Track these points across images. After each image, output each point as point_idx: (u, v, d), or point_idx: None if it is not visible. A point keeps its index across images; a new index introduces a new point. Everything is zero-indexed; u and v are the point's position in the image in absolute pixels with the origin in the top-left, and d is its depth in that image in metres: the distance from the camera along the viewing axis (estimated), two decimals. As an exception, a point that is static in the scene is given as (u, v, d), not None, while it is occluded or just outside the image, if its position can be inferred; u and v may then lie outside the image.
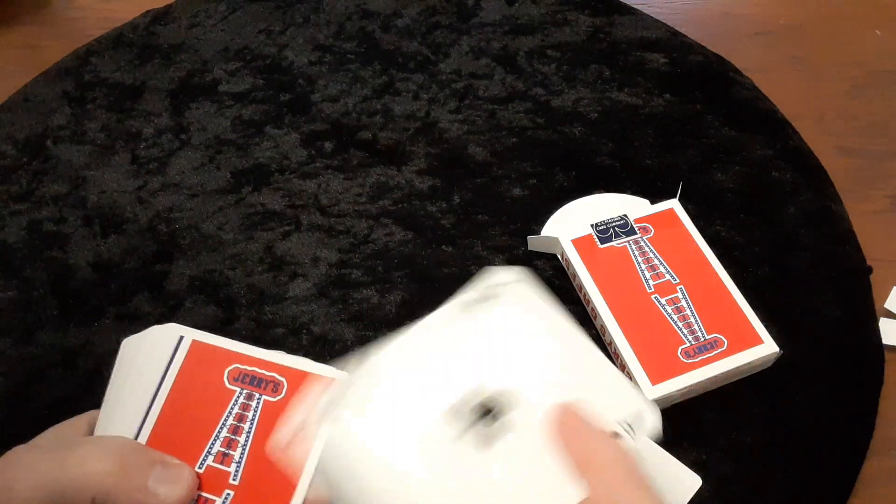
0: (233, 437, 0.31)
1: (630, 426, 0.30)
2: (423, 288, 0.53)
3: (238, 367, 0.32)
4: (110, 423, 0.31)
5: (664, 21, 0.70)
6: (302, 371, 0.32)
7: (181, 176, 0.60)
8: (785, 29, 0.71)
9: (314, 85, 0.66)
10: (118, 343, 0.50)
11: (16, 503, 0.27)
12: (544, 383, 0.29)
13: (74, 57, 0.69)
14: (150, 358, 0.32)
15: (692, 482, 0.43)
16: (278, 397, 0.31)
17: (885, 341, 0.50)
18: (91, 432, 0.31)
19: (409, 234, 0.56)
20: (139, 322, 0.52)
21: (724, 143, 0.61)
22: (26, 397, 0.49)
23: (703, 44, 0.68)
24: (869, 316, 0.51)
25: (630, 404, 0.30)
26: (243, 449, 0.30)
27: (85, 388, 0.49)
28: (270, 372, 0.32)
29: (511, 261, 0.54)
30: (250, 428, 0.31)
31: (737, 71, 0.66)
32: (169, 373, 0.32)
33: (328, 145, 0.62)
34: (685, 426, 0.46)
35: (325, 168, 0.60)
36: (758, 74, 0.66)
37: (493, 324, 0.31)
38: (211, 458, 0.30)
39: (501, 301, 0.31)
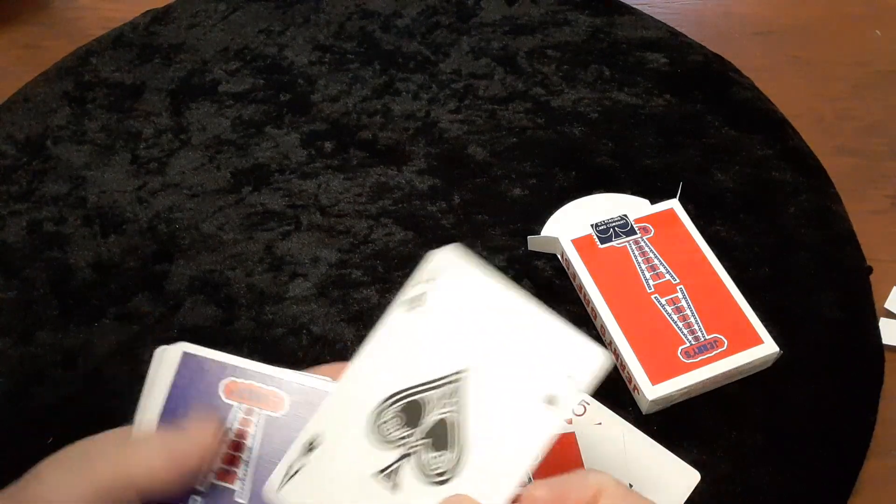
0: (234, 453, 0.29)
1: (575, 377, 0.28)
2: (423, 288, 0.53)
3: (234, 381, 0.31)
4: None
5: (664, 21, 0.70)
6: (302, 386, 0.30)
7: (181, 176, 0.60)
8: (785, 29, 0.71)
9: (314, 85, 0.66)
10: (118, 343, 0.50)
11: None
12: (489, 361, 0.29)
13: (74, 57, 0.69)
14: (161, 376, 0.31)
15: (691, 478, 0.43)
16: (281, 413, 0.30)
17: (885, 341, 0.50)
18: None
19: (409, 234, 0.56)
20: (139, 322, 0.52)
21: (724, 143, 0.61)
22: (26, 397, 0.49)
23: (703, 44, 0.68)
24: (869, 316, 0.51)
25: (574, 351, 0.29)
26: (246, 466, 0.29)
27: (85, 388, 0.49)
28: (269, 387, 0.30)
29: (511, 261, 0.54)
30: (253, 444, 0.29)
31: (737, 71, 0.66)
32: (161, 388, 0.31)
33: (328, 145, 0.62)
34: (685, 426, 0.46)
35: (325, 168, 0.60)
36: (758, 74, 0.66)
37: (434, 316, 0.31)
38: (212, 475, 0.29)
39: (438, 288, 0.31)
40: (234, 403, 0.30)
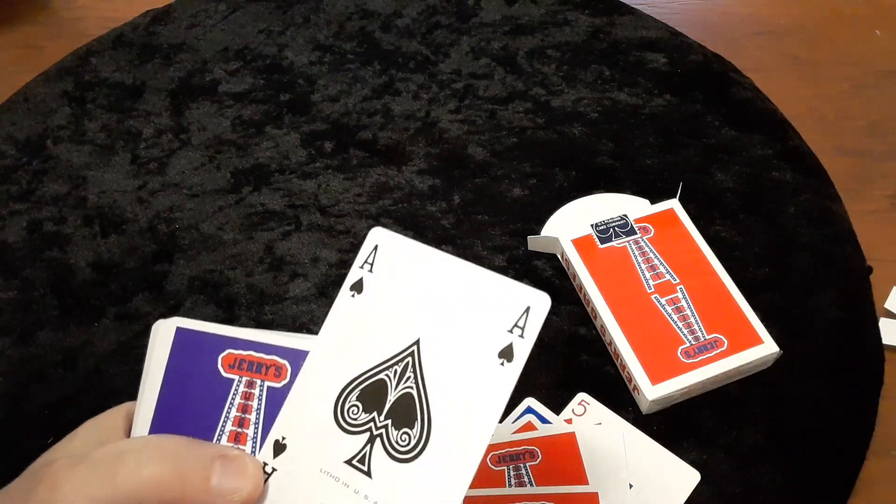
0: (238, 429, 0.29)
1: (520, 327, 0.29)
2: (423, 288, 0.53)
3: (232, 353, 0.30)
4: (141, 416, 0.30)
5: (664, 21, 0.70)
6: (302, 350, 0.29)
7: (181, 176, 0.60)
8: (785, 29, 0.71)
9: (314, 85, 0.66)
10: (118, 343, 0.50)
11: None
12: (437, 329, 0.29)
13: (74, 57, 0.69)
14: (154, 357, 0.31)
15: (691, 478, 0.43)
16: (283, 382, 0.29)
17: (885, 341, 0.50)
18: (130, 426, 0.29)
19: (409, 235, 0.56)
20: (139, 322, 0.52)
21: (724, 143, 0.61)
22: (26, 397, 0.49)
23: (703, 44, 0.68)
24: (869, 316, 0.51)
25: (518, 303, 0.29)
26: (254, 442, 0.28)
27: (85, 388, 0.49)
28: (270, 355, 0.29)
29: (511, 261, 0.54)
30: (257, 418, 0.28)
31: (737, 71, 0.66)
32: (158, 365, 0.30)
33: (328, 145, 0.62)
34: (685, 426, 0.46)
35: (325, 168, 0.60)
36: (758, 74, 0.66)
37: (376, 297, 0.30)
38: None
39: (374, 270, 0.31)
40: (235, 377, 0.29)
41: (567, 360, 0.49)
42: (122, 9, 0.73)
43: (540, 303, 0.28)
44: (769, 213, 0.56)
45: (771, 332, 0.47)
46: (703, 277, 0.50)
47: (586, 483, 0.42)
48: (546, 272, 0.53)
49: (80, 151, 0.62)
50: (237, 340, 0.30)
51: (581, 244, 0.51)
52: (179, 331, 0.30)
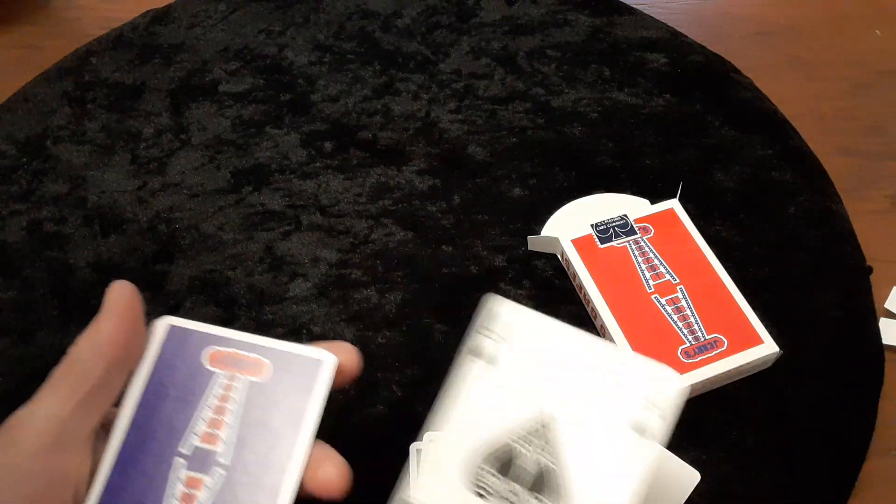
0: (217, 417, 0.30)
1: (655, 403, 0.30)
2: (423, 288, 0.53)
3: (218, 350, 0.31)
4: (127, 402, 0.31)
5: (664, 21, 0.70)
6: (285, 351, 0.31)
7: (181, 176, 0.60)
8: (785, 29, 0.71)
9: (314, 85, 0.66)
10: (118, 343, 0.50)
11: (33, 428, 0.27)
12: (572, 403, 0.30)
13: (74, 57, 0.69)
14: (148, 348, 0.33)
15: (691, 478, 0.43)
16: (264, 378, 0.31)
17: (885, 341, 0.50)
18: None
19: (409, 234, 0.56)
20: (139, 322, 0.52)
21: (724, 143, 0.61)
22: (26, 397, 0.49)
23: (703, 44, 0.68)
24: (869, 316, 0.51)
25: (650, 379, 0.31)
26: (231, 429, 0.30)
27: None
28: (253, 353, 0.31)
29: (511, 261, 0.54)
30: (236, 408, 0.30)
31: (737, 71, 0.66)
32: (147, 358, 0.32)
33: (328, 145, 0.62)
34: (685, 426, 0.46)
35: (325, 168, 0.60)
36: (758, 74, 0.66)
37: (510, 369, 0.32)
38: (197, 438, 0.30)
39: (511, 346, 0.32)
40: (218, 370, 0.31)
41: (567, 360, 0.49)
42: (122, 9, 0.73)
43: (674, 380, 0.31)
44: (769, 213, 0.56)
45: (771, 332, 0.47)
46: (703, 277, 0.50)
47: None
48: (546, 272, 0.53)
49: (80, 151, 0.62)
50: (223, 339, 0.31)
51: (581, 244, 0.51)
52: (172, 328, 0.32)
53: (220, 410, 0.30)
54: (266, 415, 0.30)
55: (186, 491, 0.29)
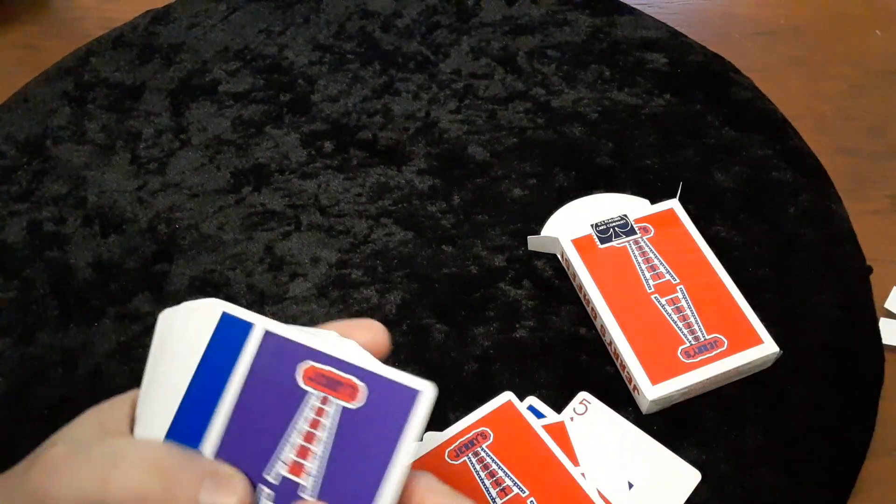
0: (306, 444, 0.27)
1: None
2: (423, 288, 0.53)
3: (314, 366, 0.28)
4: (150, 409, 0.29)
5: (664, 21, 0.70)
6: (386, 378, 0.28)
7: (181, 176, 0.60)
8: (785, 29, 0.71)
9: (314, 85, 0.66)
10: (118, 343, 0.50)
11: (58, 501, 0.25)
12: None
13: (74, 57, 0.69)
14: (190, 336, 0.29)
15: (691, 478, 0.43)
16: (358, 405, 0.27)
17: (885, 341, 0.50)
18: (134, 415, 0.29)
19: (409, 234, 0.56)
20: (139, 322, 0.52)
21: (724, 143, 0.61)
22: (26, 397, 0.49)
23: (703, 44, 0.68)
24: (869, 316, 0.51)
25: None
26: (319, 461, 0.27)
27: (85, 388, 0.49)
28: (347, 374, 0.28)
29: (511, 261, 0.54)
30: (328, 437, 0.27)
31: (737, 71, 0.66)
32: (237, 366, 0.29)
33: (328, 145, 0.62)
34: (685, 426, 0.46)
35: (325, 168, 0.60)
36: (758, 74, 0.66)
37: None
38: (283, 466, 0.27)
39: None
40: (310, 390, 0.28)
41: (567, 360, 0.49)
42: (122, 9, 0.73)
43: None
44: (769, 213, 0.56)
45: (771, 332, 0.47)
46: (703, 277, 0.50)
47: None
48: (546, 272, 0.53)
49: (80, 151, 0.62)
50: (320, 354, 0.28)
51: (581, 244, 0.51)
52: (267, 335, 0.29)
53: (309, 437, 0.28)
54: (356, 448, 0.27)
55: None
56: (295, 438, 0.27)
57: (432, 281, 0.53)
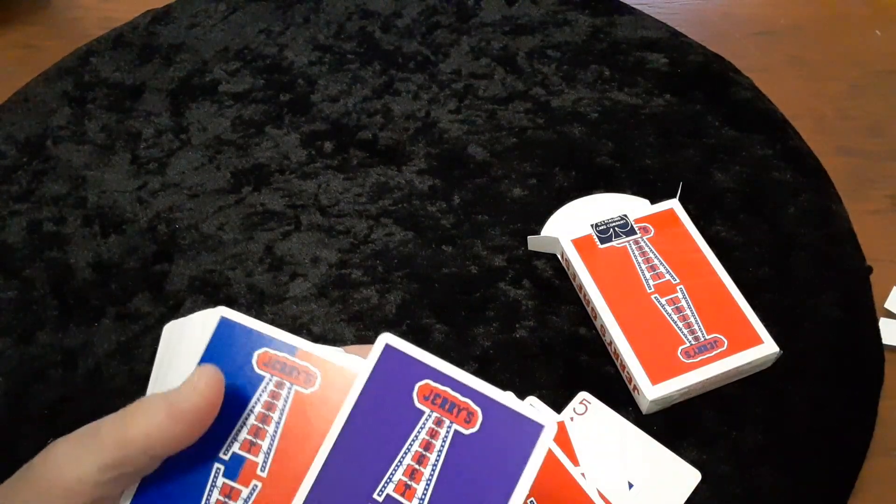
0: (260, 425, 0.28)
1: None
2: (423, 288, 0.53)
3: (429, 385, 0.28)
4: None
5: (664, 21, 0.70)
6: (336, 364, 0.29)
7: (181, 176, 0.60)
8: (785, 29, 0.71)
9: (314, 85, 0.66)
10: (118, 343, 0.50)
11: (66, 481, 0.25)
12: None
13: (74, 57, 0.69)
14: (193, 344, 0.30)
15: (691, 478, 0.43)
16: (311, 389, 0.29)
17: (885, 341, 0.50)
18: None
19: (409, 234, 0.56)
20: (139, 322, 0.52)
21: (724, 143, 0.61)
22: (26, 397, 0.49)
23: (703, 44, 0.68)
24: (869, 316, 0.51)
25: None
26: (272, 440, 0.28)
27: (85, 388, 0.49)
28: (303, 361, 0.29)
29: (511, 261, 0.54)
30: (280, 418, 0.28)
31: (737, 71, 0.66)
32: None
33: (328, 145, 0.62)
34: (685, 426, 0.46)
35: (325, 168, 0.60)
36: (758, 74, 0.66)
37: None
38: (237, 444, 0.28)
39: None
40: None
41: (567, 360, 0.49)
42: (122, 9, 0.73)
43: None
44: (769, 213, 0.56)
45: (771, 332, 0.47)
46: (703, 277, 0.50)
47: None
48: (546, 272, 0.53)
49: (80, 151, 0.62)
50: (438, 373, 0.28)
51: (581, 244, 0.51)
52: (387, 349, 0.29)
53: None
54: (468, 475, 0.26)
55: (222, 499, 0.27)
56: (407, 459, 0.27)
57: (432, 281, 0.53)
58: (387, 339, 0.29)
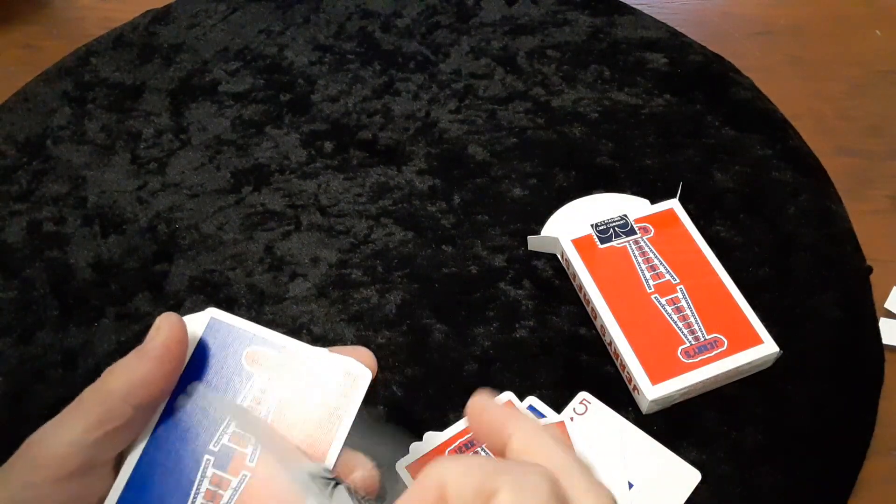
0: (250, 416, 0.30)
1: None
2: (423, 288, 0.53)
3: (255, 350, 0.31)
4: None
5: (664, 21, 0.70)
6: (319, 362, 0.31)
7: (181, 176, 0.60)
8: (785, 29, 0.71)
9: (314, 85, 0.66)
10: (118, 343, 0.50)
11: (56, 449, 0.27)
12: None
13: (74, 57, 0.69)
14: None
15: (691, 478, 0.43)
16: (294, 387, 0.31)
17: (885, 341, 0.50)
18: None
19: (409, 234, 0.56)
20: (139, 322, 0.52)
21: (724, 143, 0.61)
22: (26, 397, 0.49)
23: (703, 44, 0.68)
24: (869, 316, 0.51)
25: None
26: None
27: (85, 388, 0.49)
28: (291, 360, 0.31)
29: (511, 261, 0.54)
30: (267, 413, 0.30)
31: (737, 71, 0.66)
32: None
33: (328, 145, 0.62)
34: (685, 426, 0.46)
35: (325, 168, 0.60)
36: (758, 74, 0.66)
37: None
38: (227, 437, 0.30)
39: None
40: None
41: (567, 360, 0.49)
42: (122, 9, 0.73)
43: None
44: (769, 213, 0.56)
45: (771, 332, 0.47)
46: (703, 277, 0.50)
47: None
48: (546, 272, 0.53)
49: (80, 151, 0.62)
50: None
51: (581, 244, 0.51)
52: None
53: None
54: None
55: (212, 489, 0.29)
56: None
57: (432, 281, 0.53)
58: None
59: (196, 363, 0.31)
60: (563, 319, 0.51)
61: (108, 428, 0.27)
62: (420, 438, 0.44)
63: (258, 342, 0.31)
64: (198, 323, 0.32)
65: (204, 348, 0.31)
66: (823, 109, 0.65)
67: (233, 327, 0.32)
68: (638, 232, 0.52)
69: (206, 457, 0.30)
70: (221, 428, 0.30)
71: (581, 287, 0.51)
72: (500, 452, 0.25)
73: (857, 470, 0.45)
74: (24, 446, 0.28)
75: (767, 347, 0.46)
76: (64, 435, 0.27)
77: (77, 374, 0.49)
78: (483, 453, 0.43)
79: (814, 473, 0.45)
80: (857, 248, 0.54)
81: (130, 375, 0.28)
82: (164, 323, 0.30)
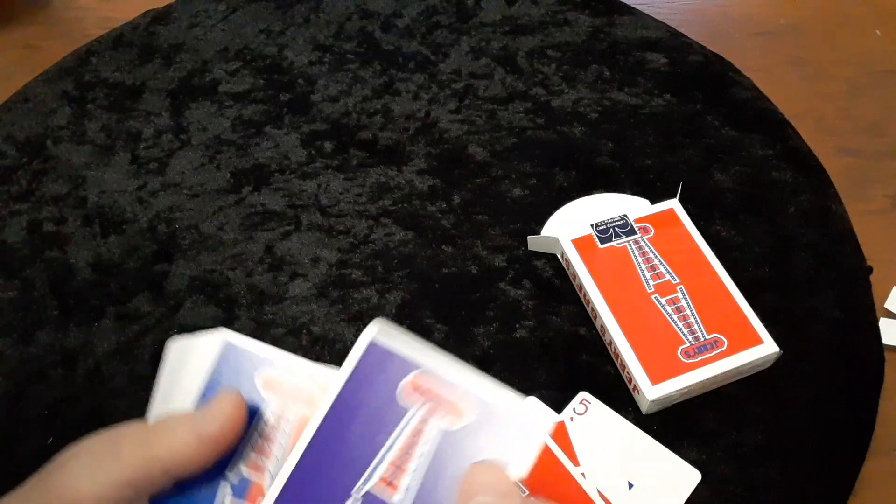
0: (266, 445, 0.29)
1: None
2: (423, 288, 0.53)
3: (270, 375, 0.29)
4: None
5: (664, 21, 0.70)
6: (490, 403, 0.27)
7: (181, 176, 0.60)
8: (785, 29, 0.71)
9: (314, 85, 0.66)
10: (118, 343, 0.50)
11: (81, 497, 0.26)
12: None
13: (74, 57, 0.69)
14: (198, 365, 0.30)
15: (691, 478, 0.43)
16: (317, 413, 0.28)
17: (885, 341, 0.50)
18: None
19: (409, 234, 0.56)
20: (139, 322, 0.52)
21: (724, 143, 0.61)
22: (26, 397, 0.49)
23: (703, 44, 0.68)
24: (869, 316, 0.51)
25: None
26: (277, 461, 0.28)
27: (85, 388, 0.49)
28: (308, 386, 0.29)
29: (511, 261, 0.54)
30: (284, 440, 0.29)
31: (737, 71, 0.66)
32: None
33: (328, 145, 0.62)
34: (685, 426, 0.46)
35: (325, 168, 0.60)
36: (758, 74, 0.66)
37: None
38: (244, 464, 0.28)
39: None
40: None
41: (567, 360, 0.49)
42: (122, 9, 0.73)
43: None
44: (769, 213, 0.56)
45: (771, 332, 0.47)
46: (703, 277, 0.50)
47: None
48: (546, 272, 0.53)
49: (80, 151, 0.62)
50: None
51: (581, 244, 0.51)
52: (371, 347, 0.29)
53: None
54: (456, 469, 0.26)
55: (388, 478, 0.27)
56: (391, 454, 0.27)
57: (432, 281, 0.53)
58: (373, 332, 0.29)
59: (347, 393, 0.28)
60: (563, 319, 0.51)
61: (140, 488, 0.26)
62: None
63: (272, 366, 0.30)
64: (212, 344, 0.30)
65: (218, 373, 0.30)
66: (823, 109, 0.65)
67: (247, 351, 0.30)
68: (638, 232, 0.52)
69: (223, 483, 0.28)
70: (238, 455, 0.28)
71: (581, 287, 0.51)
72: None
73: (857, 470, 0.45)
74: (48, 477, 0.27)
75: (767, 347, 0.46)
76: (93, 485, 0.26)
77: (77, 374, 0.49)
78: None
79: (814, 473, 0.45)
80: (857, 248, 0.54)
81: (178, 451, 0.27)
82: (230, 405, 0.28)
